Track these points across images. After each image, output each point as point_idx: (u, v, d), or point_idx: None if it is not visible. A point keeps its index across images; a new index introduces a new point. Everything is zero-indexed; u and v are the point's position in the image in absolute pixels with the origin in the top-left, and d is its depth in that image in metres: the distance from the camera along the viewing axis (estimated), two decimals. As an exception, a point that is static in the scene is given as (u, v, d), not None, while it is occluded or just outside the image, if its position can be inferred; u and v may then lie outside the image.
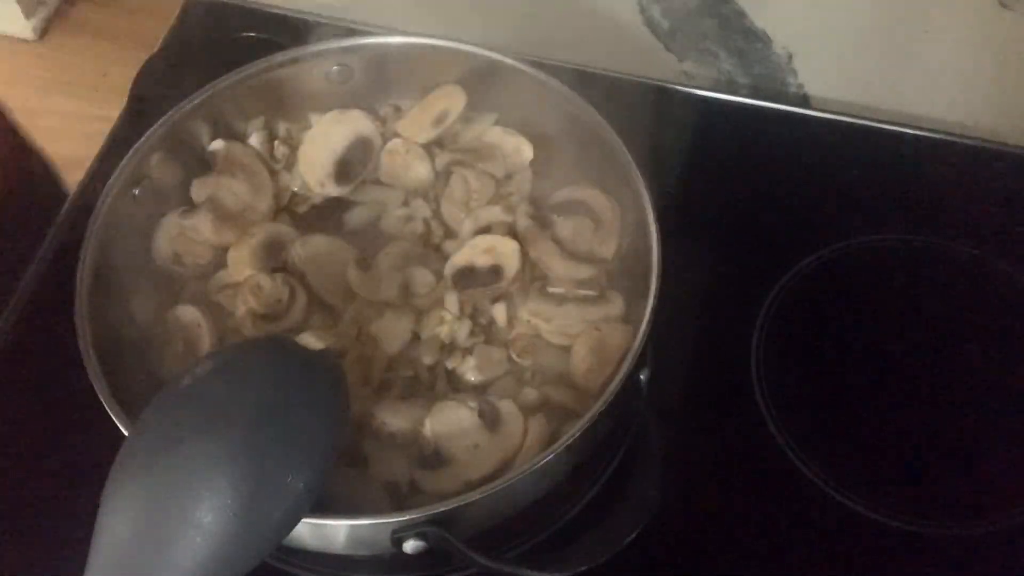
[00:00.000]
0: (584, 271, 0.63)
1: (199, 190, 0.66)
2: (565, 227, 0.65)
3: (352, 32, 0.72)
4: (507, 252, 0.63)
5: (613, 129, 0.65)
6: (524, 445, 0.57)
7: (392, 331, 0.60)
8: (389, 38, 0.69)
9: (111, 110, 0.75)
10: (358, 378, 0.59)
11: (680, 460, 0.61)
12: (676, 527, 0.59)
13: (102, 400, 0.54)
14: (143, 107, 0.66)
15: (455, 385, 0.60)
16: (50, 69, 0.83)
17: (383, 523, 0.52)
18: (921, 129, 0.78)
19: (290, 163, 0.69)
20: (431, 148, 0.69)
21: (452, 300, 0.61)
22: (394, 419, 0.58)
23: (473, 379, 0.60)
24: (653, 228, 0.61)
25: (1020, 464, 0.63)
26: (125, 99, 0.67)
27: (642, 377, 0.60)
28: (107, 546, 0.45)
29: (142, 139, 0.64)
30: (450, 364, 0.60)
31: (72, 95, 0.81)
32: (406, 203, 0.68)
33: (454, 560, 0.55)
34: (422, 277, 0.63)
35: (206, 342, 0.61)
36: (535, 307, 0.61)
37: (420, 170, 0.68)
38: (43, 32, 0.85)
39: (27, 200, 0.76)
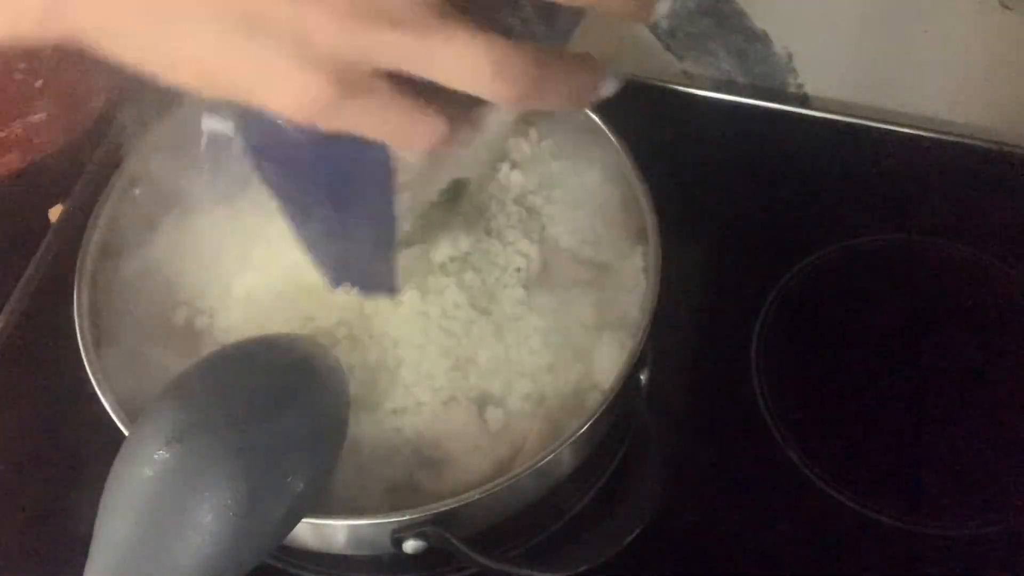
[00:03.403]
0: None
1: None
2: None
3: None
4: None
5: (613, 129, 0.65)
6: (524, 445, 0.57)
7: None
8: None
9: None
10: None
11: (680, 460, 0.61)
12: (676, 527, 0.59)
13: (102, 400, 0.54)
14: (143, 106, 0.66)
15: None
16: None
17: (383, 523, 0.52)
18: (921, 129, 0.78)
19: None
20: (431, 148, 0.69)
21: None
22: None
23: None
24: (653, 228, 0.61)
25: (1020, 464, 0.63)
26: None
27: (642, 377, 0.60)
28: (107, 546, 0.46)
29: (143, 139, 0.64)
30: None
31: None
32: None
33: (454, 560, 0.55)
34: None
35: (206, 342, 0.61)
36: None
37: (420, 170, 0.68)
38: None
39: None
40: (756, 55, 0.80)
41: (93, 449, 0.50)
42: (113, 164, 0.64)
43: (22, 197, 0.73)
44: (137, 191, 0.63)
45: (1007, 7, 0.71)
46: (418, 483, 0.57)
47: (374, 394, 0.58)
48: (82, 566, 0.46)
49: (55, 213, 0.72)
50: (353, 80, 0.36)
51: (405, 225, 0.53)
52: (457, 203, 0.61)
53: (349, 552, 0.57)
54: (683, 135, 0.77)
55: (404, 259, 0.57)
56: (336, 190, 0.46)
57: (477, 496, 0.52)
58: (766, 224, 0.74)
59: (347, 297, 0.60)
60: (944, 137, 0.78)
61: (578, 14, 0.43)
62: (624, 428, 0.61)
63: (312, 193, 0.48)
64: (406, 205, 0.50)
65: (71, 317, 0.58)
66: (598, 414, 0.55)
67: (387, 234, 0.50)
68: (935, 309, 0.69)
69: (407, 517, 0.52)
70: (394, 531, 0.52)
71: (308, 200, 0.49)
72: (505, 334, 0.60)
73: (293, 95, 0.36)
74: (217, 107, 0.46)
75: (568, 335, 0.60)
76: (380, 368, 0.59)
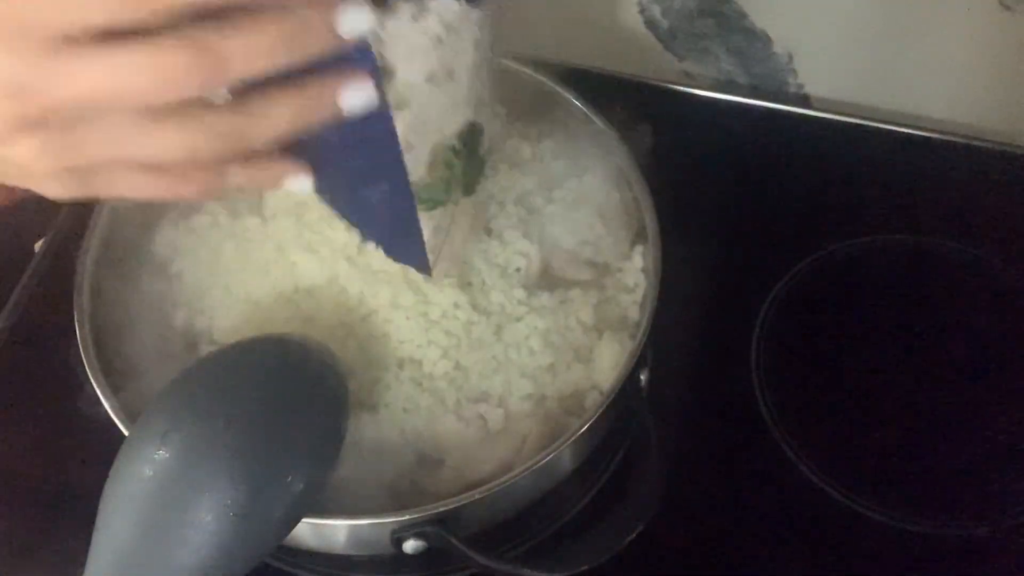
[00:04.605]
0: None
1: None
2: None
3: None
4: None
5: (613, 129, 0.65)
6: (524, 445, 0.57)
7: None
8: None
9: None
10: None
11: (680, 460, 0.61)
12: (676, 527, 0.59)
13: (102, 400, 0.54)
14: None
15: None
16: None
17: (383, 523, 0.53)
18: (921, 129, 0.78)
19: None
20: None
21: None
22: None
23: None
24: (653, 228, 0.61)
25: (1020, 464, 0.63)
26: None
27: (642, 377, 0.60)
28: (106, 546, 0.46)
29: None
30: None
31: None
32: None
33: (454, 560, 0.55)
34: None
35: (206, 342, 0.61)
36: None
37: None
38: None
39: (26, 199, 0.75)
40: (756, 55, 0.80)
41: (93, 449, 0.50)
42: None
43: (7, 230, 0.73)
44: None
45: (1007, 7, 0.71)
46: (418, 483, 0.57)
47: (374, 394, 0.58)
48: (82, 565, 0.46)
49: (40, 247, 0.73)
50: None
51: (420, 173, 0.50)
52: (476, 152, 0.57)
53: (349, 552, 0.57)
54: (683, 135, 0.77)
55: (445, 219, 0.54)
56: (336, 137, 0.43)
57: (477, 496, 0.52)
58: (766, 224, 0.74)
59: (347, 298, 0.60)
60: (944, 137, 0.78)
61: None
62: (624, 428, 0.61)
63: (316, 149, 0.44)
64: (419, 156, 0.48)
65: (71, 318, 0.58)
66: (598, 414, 0.55)
67: (400, 189, 0.46)
68: (935, 309, 0.69)
69: (407, 517, 0.52)
70: (394, 531, 0.52)
71: (316, 155, 0.47)
72: (505, 334, 0.60)
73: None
74: None
75: (568, 335, 0.61)
76: (380, 368, 0.59)
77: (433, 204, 0.54)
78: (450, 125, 0.49)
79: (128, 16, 0.34)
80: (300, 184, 0.42)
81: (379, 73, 0.41)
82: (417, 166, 0.48)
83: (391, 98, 0.42)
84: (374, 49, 0.41)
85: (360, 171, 0.44)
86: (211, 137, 0.37)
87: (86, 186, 0.39)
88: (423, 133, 0.47)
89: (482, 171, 0.53)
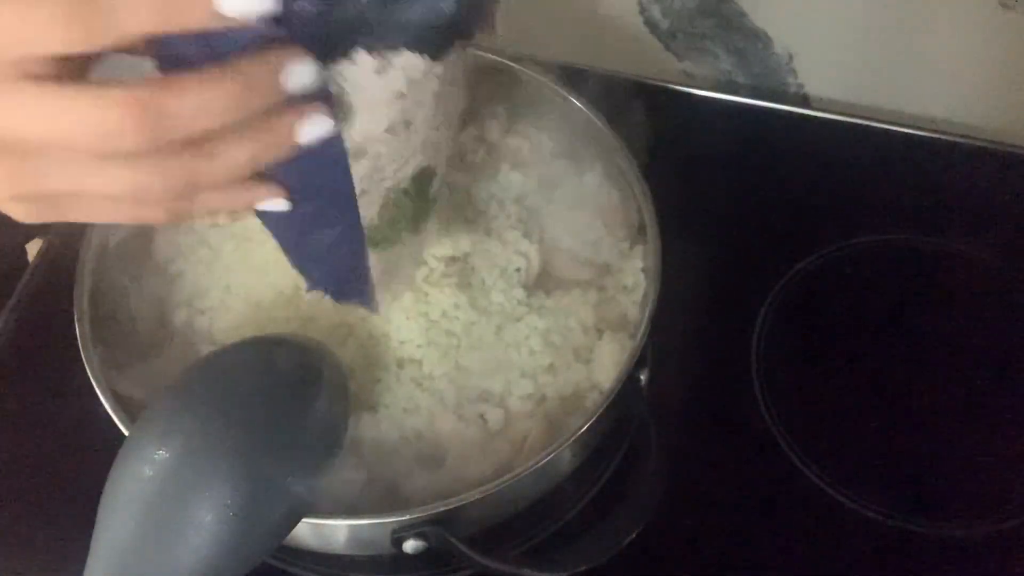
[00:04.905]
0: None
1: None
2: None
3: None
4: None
5: (613, 129, 0.65)
6: (524, 445, 0.57)
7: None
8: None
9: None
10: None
11: (680, 460, 0.61)
12: (676, 527, 0.59)
13: (102, 400, 0.54)
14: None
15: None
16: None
17: (383, 523, 0.53)
18: (921, 129, 0.78)
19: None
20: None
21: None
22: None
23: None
24: (653, 228, 0.61)
25: (1020, 464, 0.63)
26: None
27: (642, 377, 0.60)
28: (106, 546, 0.46)
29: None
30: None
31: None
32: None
33: (454, 560, 0.55)
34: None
35: (206, 342, 0.61)
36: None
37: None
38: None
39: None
40: (756, 55, 0.80)
41: (93, 449, 0.50)
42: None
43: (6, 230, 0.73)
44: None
45: (1007, 7, 0.71)
46: (418, 483, 0.57)
47: (374, 394, 0.58)
48: (82, 565, 0.46)
49: (33, 248, 0.72)
50: None
51: (371, 215, 0.50)
52: (427, 195, 0.55)
53: (349, 552, 0.57)
54: (683, 135, 0.77)
55: (392, 257, 0.55)
56: (293, 182, 0.44)
57: (477, 496, 0.52)
58: (766, 224, 0.74)
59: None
60: (944, 137, 0.78)
61: None
62: (624, 428, 0.61)
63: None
64: (372, 199, 0.48)
65: (71, 318, 0.58)
66: (598, 414, 0.55)
67: (352, 232, 0.47)
68: (936, 309, 0.69)
69: (407, 517, 0.52)
70: (394, 531, 0.53)
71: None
72: (505, 334, 0.60)
73: None
74: None
75: (568, 335, 0.61)
76: (380, 368, 0.59)
77: (385, 244, 0.54)
78: (404, 170, 0.49)
79: (76, 47, 0.33)
80: (276, 206, 0.42)
81: (336, 112, 0.41)
82: (369, 209, 0.49)
83: (349, 146, 0.43)
84: (334, 93, 0.41)
85: (315, 215, 0.44)
86: (165, 177, 0.37)
87: (51, 211, 0.39)
88: (378, 180, 0.48)
89: (429, 212, 0.54)
